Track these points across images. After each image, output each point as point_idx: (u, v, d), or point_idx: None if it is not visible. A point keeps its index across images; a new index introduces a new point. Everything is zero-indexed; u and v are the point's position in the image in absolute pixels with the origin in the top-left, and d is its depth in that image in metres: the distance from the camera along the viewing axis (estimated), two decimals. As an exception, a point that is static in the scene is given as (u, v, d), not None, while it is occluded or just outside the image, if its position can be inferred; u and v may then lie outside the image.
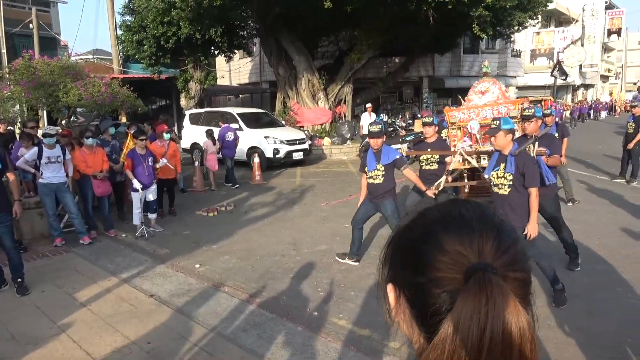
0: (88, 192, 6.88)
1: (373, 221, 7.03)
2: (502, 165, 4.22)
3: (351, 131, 16.53)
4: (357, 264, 5.57)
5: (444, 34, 17.19)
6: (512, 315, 0.58)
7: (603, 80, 49.94)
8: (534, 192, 4.12)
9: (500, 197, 4.25)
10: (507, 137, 4.18)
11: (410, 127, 17.99)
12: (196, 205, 8.97)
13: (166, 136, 8.15)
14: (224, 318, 4.27)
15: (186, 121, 15.20)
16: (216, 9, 12.38)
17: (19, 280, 4.97)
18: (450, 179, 5.86)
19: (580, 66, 36.14)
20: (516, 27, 16.29)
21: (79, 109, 9.06)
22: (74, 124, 9.93)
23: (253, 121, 14.11)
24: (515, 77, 27.83)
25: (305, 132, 15.83)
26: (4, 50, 19.34)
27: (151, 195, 7.27)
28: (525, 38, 30.89)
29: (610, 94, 47.28)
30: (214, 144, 10.79)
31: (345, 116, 17.94)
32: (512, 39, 21.07)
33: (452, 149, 6.49)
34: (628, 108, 11.96)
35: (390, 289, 0.71)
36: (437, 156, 6.02)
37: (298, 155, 13.34)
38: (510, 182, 4.16)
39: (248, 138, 13.31)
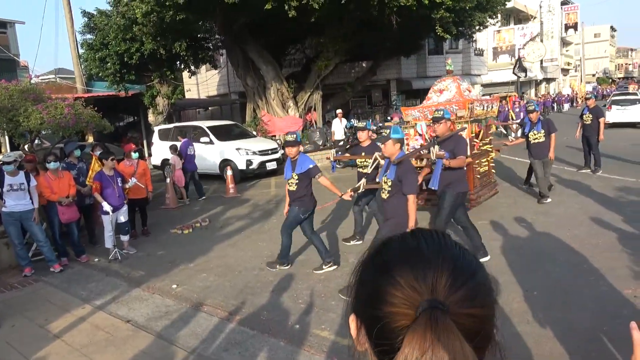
0: (55, 218, 6.67)
1: (350, 226, 7.04)
2: (388, 171, 4.60)
3: (323, 138, 16.55)
4: (288, 267, 5.86)
5: (408, 37, 17.43)
6: (457, 358, 0.57)
7: (564, 74, 51.49)
8: (411, 198, 4.40)
9: (385, 201, 4.65)
10: (396, 145, 4.49)
11: (382, 131, 18.14)
12: (170, 223, 8.81)
13: (134, 155, 7.99)
14: (205, 339, 4.19)
15: (155, 137, 14.96)
16: (179, 23, 12.25)
17: (-13, 315, 4.77)
18: (364, 182, 5.65)
19: (541, 61, 37.21)
20: (477, 27, 16.68)
21: (43, 132, 8.79)
22: (38, 148, 9.63)
23: (224, 134, 13.99)
24: (479, 75, 28.42)
25: (278, 141, 15.77)
26: (-41, 75, 18.67)
27: (122, 217, 7.10)
28: (487, 37, 31.58)
29: (571, 86, 48.76)
30: (181, 159, 10.65)
31: (316, 123, 17.97)
32: (474, 39, 21.52)
33: (406, 148, 6.67)
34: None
35: (352, 320, 0.70)
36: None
37: (271, 165, 13.27)
38: (390, 188, 4.53)
39: (220, 151, 13.18)
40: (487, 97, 12.55)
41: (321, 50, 17.18)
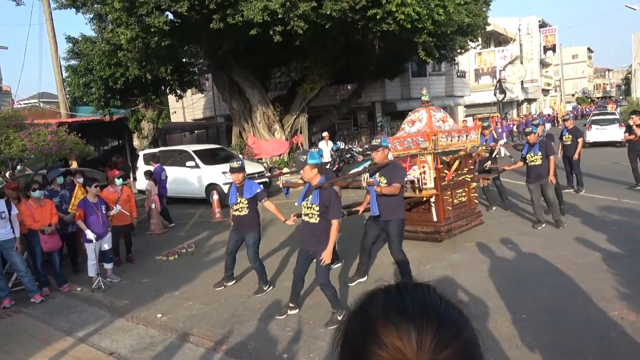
0: (36, 247, 6.52)
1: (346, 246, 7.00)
2: (310, 196, 4.72)
3: (309, 160, 16.59)
4: (232, 282, 6.14)
5: (391, 60, 17.75)
6: None
7: (544, 94, 52.68)
8: (334, 223, 4.61)
9: (310, 225, 4.74)
10: (313, 171, 4.66)
11: (368, 152, 18.27)
12: (155, 249, 8.67)
13: (118, 181, 7.90)
14: (190, 371, 4.09)
15: (140, 162, 14.84)
16: (164, 49, 12.30)
17: (-37, 351, 4.61)
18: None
19: (522, 82, 38.10)
20: (459, 50, 17.06)
21: (24, 159, 8.68)
22: (20, 175, 9.48)
23: (210, 157, 13.95)
24: (462, 96, 28.95)
25: (264, 164, 15.78)
26: (-60, 101, 18.42)
27: (106, 245, 6.98)
28: (469, 59, 32.31)
29: (551, 106, 49.84)
30: (156, 184, 10.54)
31: (302, 145, 18.04)
32: (456, 61, 22.00)
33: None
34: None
35: None
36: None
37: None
38: (318, 213, 4.65)
39: (206, 175, 13.12)
40: (466, 126, 12.61)
41: (306, 74, 17.38)
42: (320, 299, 5.47)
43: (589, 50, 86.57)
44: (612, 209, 8.54)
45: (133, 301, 6.05)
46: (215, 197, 11.47)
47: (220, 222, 10.85)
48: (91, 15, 13.03)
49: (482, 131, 10.85)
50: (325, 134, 16.56)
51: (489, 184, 9.24)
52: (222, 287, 6.10)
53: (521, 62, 37.62)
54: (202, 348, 4.52)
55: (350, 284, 5.87)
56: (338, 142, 18.69)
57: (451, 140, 7.21)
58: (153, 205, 10.45)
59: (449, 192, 7.32)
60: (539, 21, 43.39)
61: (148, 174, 10.51)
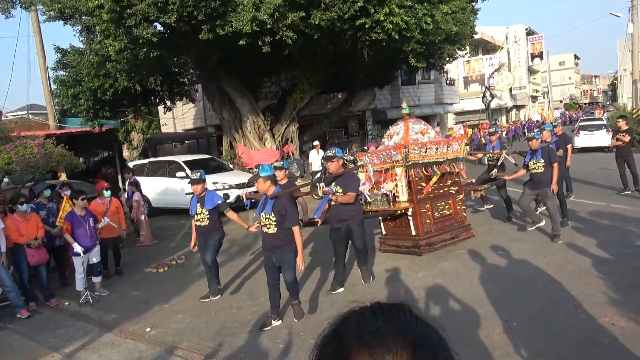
0: (22, 262, 6.42)
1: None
2: (266, 207, 4.87)
3: (300, 169, 16.57)
4: (218, 297, 6.09)
5: (381, 69, 17.84)
6: None
7: (532, 101, 53.25)
8: (296, 230, 4.80)
9: (270, 236, 4.89)
10: (266, 183, 4.79)
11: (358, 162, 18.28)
12: (145, 261, 8.58)
13: (106, 193, 7.83)
14: (179, 386, 4.02)
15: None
16: (153, 60, 12.27)
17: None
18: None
19: (510, 89, 38.48)
20: (447, 59, 17.19)
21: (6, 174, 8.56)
22: (6, 188, 9.36)
23: (200, 168, 13.75)
24: (452, 104, 29.16)
25: (255, 173, 15.72)
26: None
27: (94, 258, 6.89)
28: (457, 67, 32.61)
29: (539, 112, 50.34)
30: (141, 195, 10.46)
31: (293, 154, 18.02)
32: (445, 69, 22.16)
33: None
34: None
35: None
36: None
37: (235, 191, 13.13)
38: (275, 222, 4.78)
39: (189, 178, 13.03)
40: (448, 136, 12.37)
41: (296, 83, 17.41)
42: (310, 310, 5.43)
43: (576, 57, 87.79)
44: (601, 214, 8.60)
45: (121, 315, 5.97)
46: (206, 207, 11.38)
47: (211, 233, 10.77)
48: (79, 27, 13.00)
49: (489, 137, 10.76)
50: (316, 142, 16.54)
51: (483, 195, 8.96)
52: (208, 299, 6.09)
53: (509, 70, 38.04)
54: (191, 362, 4.46)
55: (332, 293, 5.87)
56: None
57: (426, 152, 6.97)
58: (142, 217, 10.36)
59: (428, 205, 7.02)
60: (526, 29, 44.01)
61: (134, 185, 10.42)
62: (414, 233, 6.99)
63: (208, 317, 5.57)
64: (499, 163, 8.84)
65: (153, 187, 13.93)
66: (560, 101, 75.55)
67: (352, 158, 19.24)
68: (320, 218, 6.09)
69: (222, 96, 16.87)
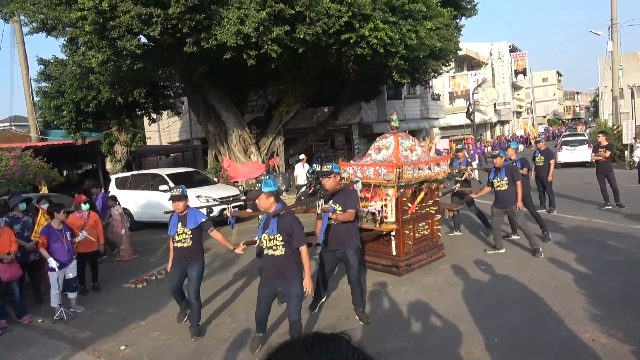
0: (-5, 278, 6.21)
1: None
2: (269, 227, 4.37)
3: (286, 183, 16.49)
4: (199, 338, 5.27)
5: (367, 83, 17.95)
6: None
7: (516, 116, 54.01)
8: (303, 250, 4.32)
9: (276, 258, 4.33)
10: (269, 199, 4.31)
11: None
12: (124, 276, 8.38)
13: (84, 207, 7.66)
14: (151, 407, 3.88)
15: (112, 186, 14.52)
16: (137, 72, 12.17)
17: None
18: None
19: (495, 104, 39.01)
20: (432, 74, 17.36)
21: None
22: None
23: (184, 181, 13.66)
24: (437, 118, 29.44)
25: (240, 187, 15.61)
26: None
27: (71, 273, 6.70)
28: (443, 82, 32.98)
29: (522, 127, 51.06)
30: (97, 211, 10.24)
31: (279, 168, 17.95)
32: (430, 84, 22.39)
33: None
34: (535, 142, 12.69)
35: None
36: None
37: (221, 209, 13.00)
38: (282, 243, 4.29)
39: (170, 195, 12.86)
40: (436, 156, 12.22)
41: (282, 97, 17.42)
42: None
43: (558, 73, 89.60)
44: (583, 228, 8.66)
45: (96, 332, 5.78)
46: (189, 221, 11.22)
47: (193, 247, 10.60)
48: (62, 39, 12.87)
49: (455, 153, 10.85)
50: (302, 156, 16.51)
51: (455, 215, 8.94)
52: (185, 319, 5.68)
53: (493, 86, 38.63)
54: (165, 382, 4.31)
55: (313, 311, 5.69)
56: (314, 165, 18.69)
57: (416, 173, 6.84)
58: (123, 231, 10.17)
59: (411, 226, 6.89)
60: (510, 46, 44.78)
61: (113, 199, 10.24)
62: (394, 253, 6.81)
63: (186, 335, 5.42)
64: (462, 179, 8.93)
65: (135, 201, 13.74)
66: (544, 117, 76.83)
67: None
68: (314, 238, 5.45)
69: (208, 109, 16.78)
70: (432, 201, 7.35)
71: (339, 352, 0.60)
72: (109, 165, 19.40)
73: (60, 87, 15.66)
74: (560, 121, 76.42)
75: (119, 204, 10.01)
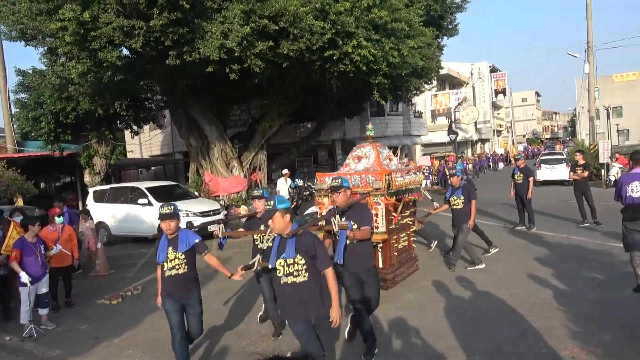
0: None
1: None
2: (286, 251, 3.72)
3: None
4: None
5: (350, 99, 18.07)
6: None
7: (497, 135, 55.01)
8: (329, 273, 3.66)
9: (298, 286, 3.67)
10: (285, 217, 3.66)
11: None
12: (98, 292, 8.15)
13: (58, 220, 7.45)
14: None
15: (89, 199, 14.23)
16: (118, 84, 12.02)
17: None
18: (259, 259, 4.82)
19: (475, 123, 39.69)
20: (414, 92, 17.58)
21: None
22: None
23: (164, 195, 13.51)
24: (419, 135, 29.74)
25: (221, 201, 15.45)
26: None
27: (44, 288, 6.50)
28: (425, 100, 33.45)
29: (502, 146, 51.96)
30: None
31: (261, 183, 17.84)
32: (412, 102, 22.63)
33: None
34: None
35: None
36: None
37: (214, 227, 12.81)
38: (306, 267, 3.65)
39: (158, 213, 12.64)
40: (412, 166, 12.30)
41: (266, 112, 17.41)
42: (270, 343, 5.20)
43: (537, 94, 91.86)
44: (562, 246, 8.75)
45: (67, 351, 5.57)
46: (168, 236, 11.02)
47: (172, 262, 10.39)
48: (41, 49, 12.68)
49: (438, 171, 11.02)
50: (285, 171, 16.48)
51: (422, 227, 9.01)
52: None
53: (474, 104, 39.31)
54: (138, 402, 4.15)
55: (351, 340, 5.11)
56: (296, 180, 18.65)
57: (403, 180, 6.92)
58: (99, 245, 9.94)
59: (395, 237, 6.84)
60: (490, 66, 45.81)
61: (85, 212, 10.00)
62: (381, 266, 6.68)
63: (160, 353, 5.26)
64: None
65: (113, 214, 13.47)
66: (523, 136, 78.45)
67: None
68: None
69: (190, 122, 16.66)
70: (408, 212, 7.39)
71: None
72: (87, 178, 19.01)
73: (38, 98, 15.37)
74: (539, 140, 78.08)
75: (91, 218, 9.76)
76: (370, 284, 4.63)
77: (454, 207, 7.77)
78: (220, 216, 13.38)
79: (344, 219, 4.56)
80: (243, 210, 15.77)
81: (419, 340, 4.97)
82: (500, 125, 56.67)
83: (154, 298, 7.57)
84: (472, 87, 42.51)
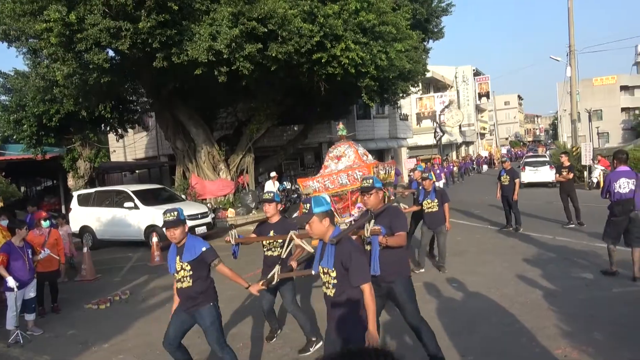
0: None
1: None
2: (323, 258, 3.33)
3: (255, 200, 16.33)
4: None
5: (337, 102, 18.12)
6: None
7: (480, 137, 55.64)
8: (366, 289, 3.11)
9: (329, 299, 3.30)
10: (324, 221, 3.23)
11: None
12: (86, 296, 8.01)
13: (45, 224, 7.32)
14: None
15: (74, 203, 14.00)
16: (104, 86, 11.87)
17: None
18: (278, 270, 4.49)
19: (460, 126, 40.09)
20: (400, 94, 17.71)
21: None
22: None
23: (150, 198, 13.38)
24: (405, 138, 29.92)
25: (208, 204, 15.34)
26: None
27: (32, 292, 6.37)
28: (410, 103, 33.67)
29: (486, 149, 52.60)
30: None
31: (248, 186, 17.77)
32: (398, 105, 22.77)
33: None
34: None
35: None
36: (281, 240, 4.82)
37: (201, 230, 12.74)
38: (335, 281, 3.21)
39: (145, 216, 12.51)
40: (385, 162, 12.56)
41: (253, 114, 17.35)
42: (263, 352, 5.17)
43: (519, 97, 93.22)
44: (548, 246, 8.87)
45: (55, 357, 5.47)
46: (155, 239, 10.91)
47: (160, 266, 10.27)
48: (25, 50, 12.45)
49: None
50: (273, 174, 16.45)
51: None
52: None
53: (459, 108, 39.75)
54: (131, 408, 4.09)
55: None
56: (284, 182, 18.62)
57: (385, 174, 6.93)
58: (85, 249, 9.79)
59: None
60: (474, 70, 46.39)
61: (62, 217, 9.84)
62: None
63: (152, 358, 5.19)
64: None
65: (99, 218, 13.28)
66: (506, 138, 79.52)
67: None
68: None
69: (176, 125, 16.52)
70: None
71: None
72: (71, 182, 18.73)
73: (21, 100, 15.11)
74: (521, 143, 79.27)
75: (67, 223, 9.60)
76: (396, 296, 4.10)
77: (429, 210, 7.81)
78: (208, 219, 13.31)
79: (372, 222, 3.94)
80: (231, 213, 15.69)
81: (412, 342, 4.98)
82: (484, 128, 57.37)
83: (142, 302, 7.54)
84: (456, 90, 42.98)
